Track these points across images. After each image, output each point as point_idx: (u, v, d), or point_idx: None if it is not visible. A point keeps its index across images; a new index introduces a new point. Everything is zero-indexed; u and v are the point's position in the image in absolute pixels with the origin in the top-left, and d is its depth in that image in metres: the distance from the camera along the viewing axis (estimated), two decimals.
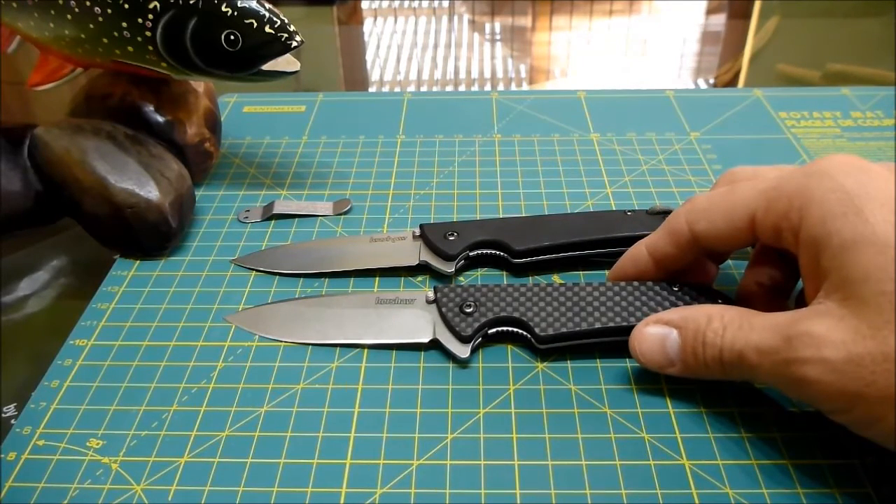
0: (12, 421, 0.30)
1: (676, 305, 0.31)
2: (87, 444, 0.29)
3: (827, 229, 0.25)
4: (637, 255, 0.33)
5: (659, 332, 0.29)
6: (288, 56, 0.37)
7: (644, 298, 0.32)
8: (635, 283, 0.33)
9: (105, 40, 0.38)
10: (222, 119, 0.47)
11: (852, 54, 0.68)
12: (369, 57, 0.78)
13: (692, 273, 0.33)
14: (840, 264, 0.24)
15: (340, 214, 0.42)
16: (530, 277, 0.37)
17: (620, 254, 0.37)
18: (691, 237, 0.30)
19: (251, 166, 0.46)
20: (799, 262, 0.27)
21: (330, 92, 0.56)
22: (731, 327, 0.27)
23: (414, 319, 0.33)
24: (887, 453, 0.25)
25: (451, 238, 0.36)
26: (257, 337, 0.34)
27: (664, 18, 0.87)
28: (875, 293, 0.23)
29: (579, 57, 0.77)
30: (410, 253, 0.37)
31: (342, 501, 0.26)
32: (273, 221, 0.41)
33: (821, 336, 0.24)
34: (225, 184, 0.45)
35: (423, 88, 0.70)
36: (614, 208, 0.42)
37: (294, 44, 0.37)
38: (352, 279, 0.37)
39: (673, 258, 0.32)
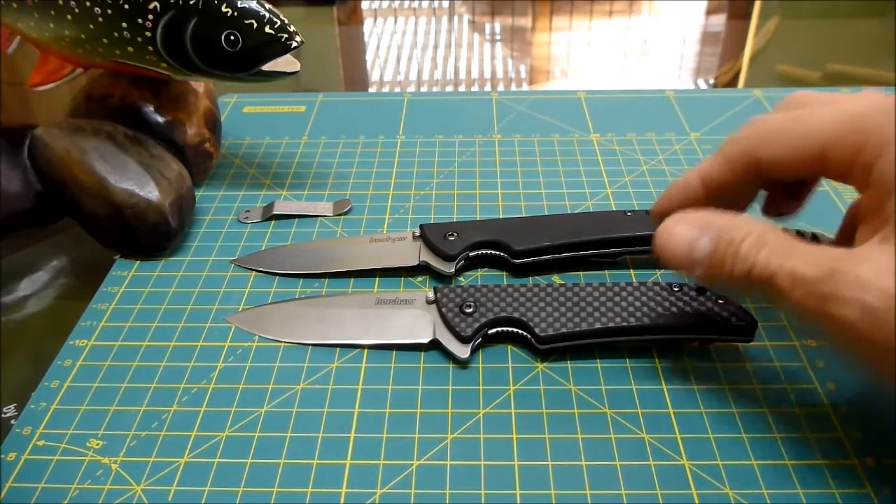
0: (12, 421, 0.30)
1: (676, 305, 0.32)
2: (87, 444, 0.29)
3: None
4: (688, 183, 0.31)
5: (689, 234, 0.27)
6: (288, 56, 0.37)
7: (644, 299, 0.32)
8: (635, 283, 0.33)
9: (105, 41, 0.38)
10: (222, 119, 0.48)
11: (852, 54, 0.68)
12: (369, 57, 0.78)
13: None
14: None
15: (340, 215, 0.42)
16: (530, 277, 0.37)
17: (620, 254, 0.37)
18: (752, 163, 0.28)
19: (251, 166, 0.46)
20: (860, 202, 0.26)
21: (330, 92, 0.56)
22: (769, 246, 0.25)
23: (414, 320, 0.33)
24: (887, 454, 0.25)
25: (451, 238, 0.36)
26: (257, 337, 0.34)
27: (664, 18, 0.87)
28: None
29: (579, 57, 0.77)
30: (410, 253, 0.37)
31: (342, 501, 0.26)
32: (273, 222, 0.41)
33: (868, 280, 0.23)
34: (225, 184, 0.45)
35: (423, 88, 0.70)
36: (614, 208, 0.42)
37: (294, 44, 0.37)
38: (352, 279, 0.37)
39: (728, 186, 0.30)
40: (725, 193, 0.30)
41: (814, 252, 0.24)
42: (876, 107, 0.25)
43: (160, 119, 0.41)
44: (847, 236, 0.30)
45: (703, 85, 0.69)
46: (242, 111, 0.53)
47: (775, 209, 0.32)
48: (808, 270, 0.24)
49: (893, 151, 0.24)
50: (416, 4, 0.90)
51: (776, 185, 0.31)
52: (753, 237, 0.26)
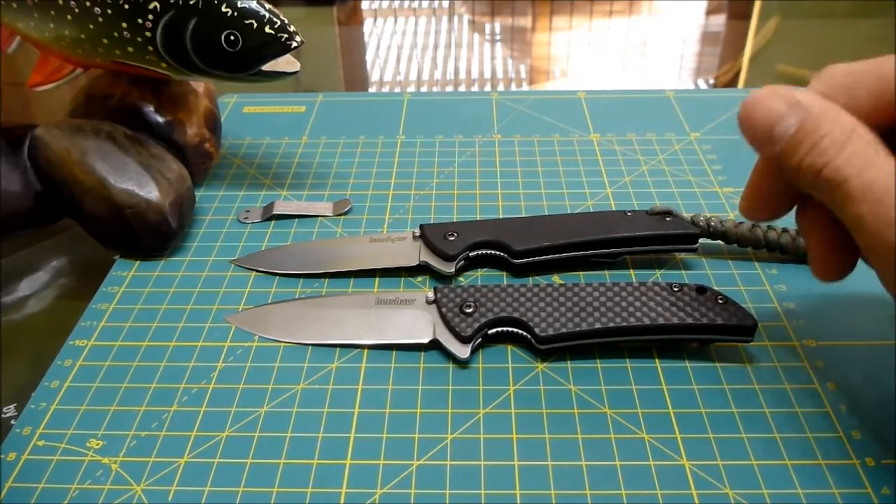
0: (12, 421, 0.30)
1: (676, 305, 0.32)
2: (87, 444, 0.29)
3: None
4: (764, 166, 0.29)
5: (779, 110, 0.25)
6: (288, 56, 0.37)
7: (644, 299, 0.32)
8: (635, 283, 0.33)
9: (105, 41, 0.38)
10: (222, 119, 0.48)
11: (852, 54, 0.68)
12: (369, 57, 0.78)
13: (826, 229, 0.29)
14: None
15: (340, 215, 0.42)
16: (530, 277, 0.37)
17: (620, 254, 0.37)
18: None
19: (251, 166, 0.46)
20: None
21: (330, 92, 0.56)
22: (851, 149, 0.24)
23: (414, 320, 0.33)
24: (887, 454, 0.25)
25: (451, 238, 0.36)
26: (257, 337, 0.34)
27: (664, 18, 0.87)
28: None
29: (579, 57, 0.77)
30: (410, 253, 0.37)
31: (342, 501, 0.26)
32: (273, 222, 0.41)
33: None
34: (225, 184, 0.45)
35: (423, 88, 0.70)
36: (614, 208, 0.42)
37: (294, 44, 0.37)
38: (352, 279, 0.37)
39: None
40: None
41: (892, 171, 0.23)
42: None
43: (160, 119, 0.41)
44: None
45: (703, 85, 0.69)
46: (242, 111, 0.53)
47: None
48: (881, 191, 0.23)
49: None
50: (416, 4, 0.90)
51: None
52: (839, 133, 0.24)
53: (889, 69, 0.26)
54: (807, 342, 0.33)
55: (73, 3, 0.37)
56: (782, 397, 0.30)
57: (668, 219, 0.37)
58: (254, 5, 0.36)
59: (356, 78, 0.74)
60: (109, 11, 0.37)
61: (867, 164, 0.23)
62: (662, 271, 0.37)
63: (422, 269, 0.37)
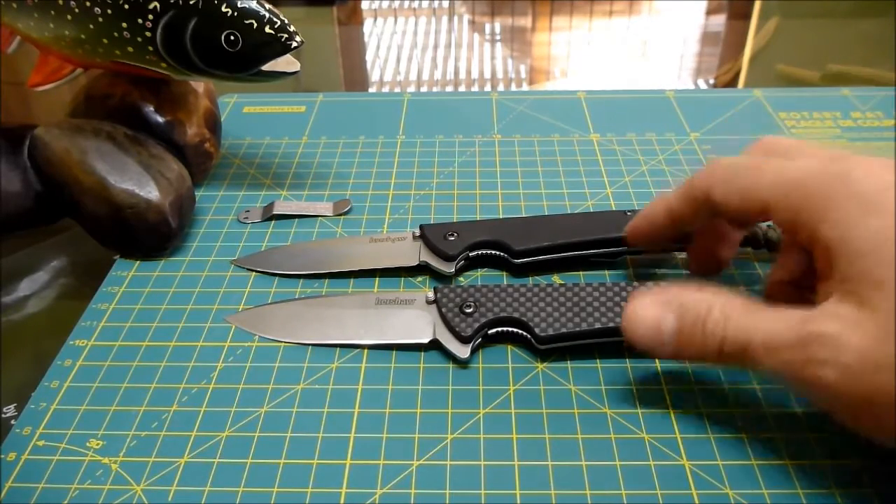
0: (12, 421, 0.30)
1: None
2: (87, 444, 0.29)
3: (843, 234, 0.24)
4: (653, 213, 0.33)
5: (654, 314, 0.27)
6: (288, 56, 0.37)
7: None
8: (635, 284, 0.33)
9: (105, 41, 0.38)
10: (222, 119, 0.47)
11: (852, 54, 0.68)
12: (369, 57, 0.78)
13: (709, 236, 0.34)
14: (857, 271, 0.23)
15: (340, 215, 0.42)
16: (530, 277, 0.37)
17: (620, 254, 0.37)
18: (708, 203, 0.29)
19: (251, 166, 0.46)
20: (814, 260, 0.26)
21: (330, 92, 0.56)
22: (734, 317, 0.26)
23: (414, 320, 0.33)
24: (887, 454, 0.25)
25: (451, 238, 0.36)
26: (257, 337, 0.34)
27: (664, 19, 0.87)
28: (890, 300, 0.22)
29: (579, 57, 0.77)
30: (410, 253, 0.37)
31: (342, 502, 0.26)
32: (273, 222, 0.41)
33: (837, 339, 0.23)
34: (225, 184, 0.45)
35: (423, 89, 0.70)
36: (614, 208, 0.42)
37: (294, 44, 0.37)
38: (352, 280, 0.37)
39: (687, 220, 0.31)
40: (685, 224, 0.32)
41: (780, 316, 0.25)
42: (822, 171, 0.26)
43: (160, 119, 0.41)
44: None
45: (703, 85, 0.69)
46: (242, 111, 0.53)
47: (720, 240, 0.34)
48: (780, 337, 0.24)
49: (832, 214, 0.25)
50: (416, 4, 0.90)
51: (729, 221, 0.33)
52: (717, 310, 0.26)
53: (757, 178, 0.28)
54: None
55: (73, 3, 0.37)
56: (782, 397, 0.30)
57: None
58: (254, 5, 0.36)
59: (356, 78, 0.74)
60: (109, 11, 0.37)
61: (755, 323, 0.25)
62: (663, 271, 0.37)
63: (422, 269, 0.37)
